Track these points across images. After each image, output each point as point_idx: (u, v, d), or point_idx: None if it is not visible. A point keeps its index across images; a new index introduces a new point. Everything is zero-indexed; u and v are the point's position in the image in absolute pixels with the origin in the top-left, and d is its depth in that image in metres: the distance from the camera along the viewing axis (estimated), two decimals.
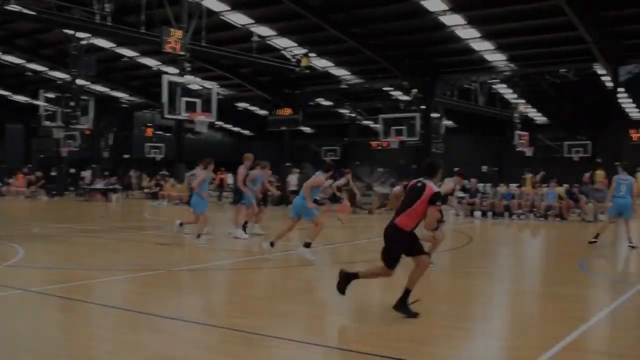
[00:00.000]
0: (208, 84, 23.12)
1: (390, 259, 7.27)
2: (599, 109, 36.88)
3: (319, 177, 12.13)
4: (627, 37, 26.19)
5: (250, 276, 10.95)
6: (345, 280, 7.53)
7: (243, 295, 9.24)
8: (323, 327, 7.37)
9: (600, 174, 27.80)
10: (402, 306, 7.27)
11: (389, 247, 7.29)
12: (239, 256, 13.20)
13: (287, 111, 33.49)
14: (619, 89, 28.77)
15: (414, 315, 7.20)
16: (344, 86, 35.74)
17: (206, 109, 21.32)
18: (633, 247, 14.09)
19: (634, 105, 47.99)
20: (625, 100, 44.71)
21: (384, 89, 40.35)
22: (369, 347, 6.23)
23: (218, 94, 24.19)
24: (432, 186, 7.13)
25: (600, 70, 31.03)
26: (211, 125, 35.14)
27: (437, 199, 7.09)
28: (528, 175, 29.40)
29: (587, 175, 27.54)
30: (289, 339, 6.58)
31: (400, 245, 7.25)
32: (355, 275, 7.54)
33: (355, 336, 6.93)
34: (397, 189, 8.44)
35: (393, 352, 6.07)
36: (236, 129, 63.76)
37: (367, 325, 7.31)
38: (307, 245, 11.78)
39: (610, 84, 28.72)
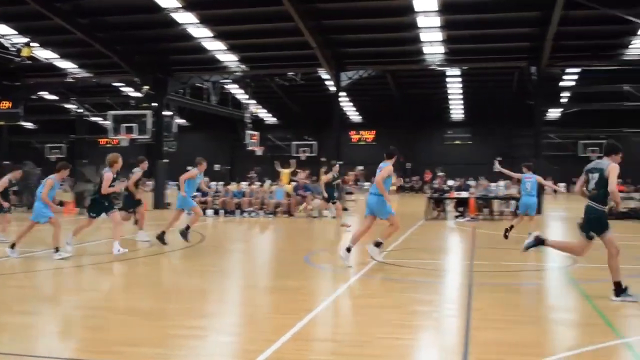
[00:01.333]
0: None
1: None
2: (324, 111, 39.17)
3: (388, 167, 11.15)
4: (348, 45, 28.17)
5: None
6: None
7: None
8: (46, 337, 6.83)
9: (323, 172, 29.53)
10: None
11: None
12: None
13: (6, 104, 30.81)
14: (341, 93, 30.79)
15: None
16: (70, 80, 33.82)
17: None
18: (506, 237, 15.10)
19: (354, 108, 52.00)
20: (346, 104, 48.23)
21: (114, 84, 39.09)
22: (97, 354, 5.95)
23: None
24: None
25: (324, 75, 33.03)
26: None
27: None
28: (285, 171, 30.34)
29: (307, 172, 29.00)
30: (8, 353, 5.98)
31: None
32: None
33: (81, 344, 6.53)
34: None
35: (122, 357, 5.86)
36: None
37: (96, 331, 6.93)
38: (378, 244, 11.32)
39: (333, 88, 30.63)
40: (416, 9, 23.75)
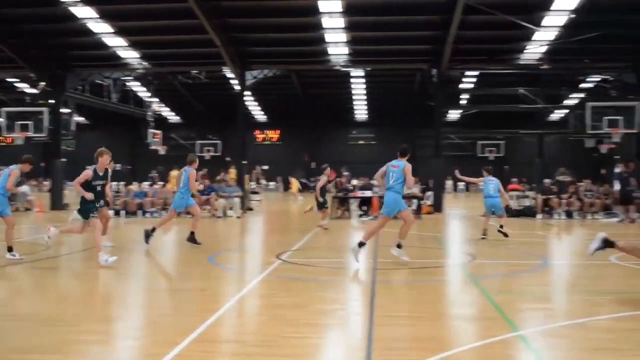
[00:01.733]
0: None
1: None
2: (228, 110, 38.91)
3: (408, 165, 11.48)
4: (253, 44, 28.05)
5: None
6: None
7: None
8: None
9: (232, 172, 29.34)
10: None
11: None
12: None
13: None
14: (246, 92, 30.64)
15: None
16: None
17: None
18: (506, 235, 15.60)
19: (259, 108, 51.91)
20: (251, 103, 48.09)
21: (8, 80, 37.46)
22: None
23: None
24: None
25: (229, 73, 32.77)
26: None
27: None
28: (174, 172, 29.77)
29: (224, 174, 28.82)
30: None
31: None
32: None
33: None
34: None
35: None
36: None
37: None
38: (399, 246, 11.53)
39: (238, 87, 30.45)
40: (321, 10, 23.91)
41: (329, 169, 19.24)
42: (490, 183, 16.25)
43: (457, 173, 18.66)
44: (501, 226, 15.89)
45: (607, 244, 8.65)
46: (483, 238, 15.76)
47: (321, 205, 18.71)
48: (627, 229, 19.43)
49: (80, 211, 11.47)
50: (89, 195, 11.24)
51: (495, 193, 16.16)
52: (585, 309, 8.02)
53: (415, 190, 25.27)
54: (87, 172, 11.38)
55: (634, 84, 28.50)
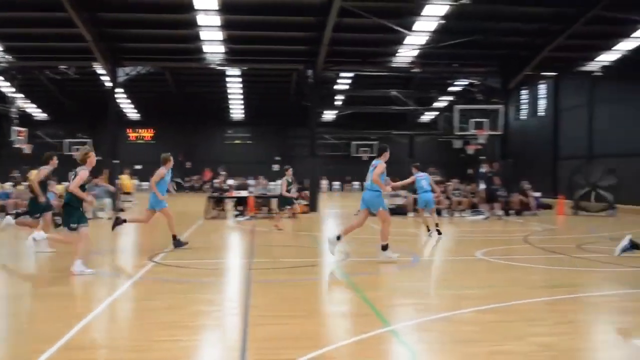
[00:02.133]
0: None
1: None
2: (99, 108, 37.62)
3: (381, 163, 11.73)
4: (125, 40, 27.25)
5: None
6: None
7: None
8: None
9: (105, 171, 28.32)
10: None
11: None
12: None
13: None
14: (117, 90, 29.73)
15: None
16: None
17: None
18: (439, 233, 16.35)
19: (132, 105, 50.52)
20: (123, 101, 46.72)
21: None
22: None
23: None
24: None
25: (100, 69, 31.65)
26: None
27: None
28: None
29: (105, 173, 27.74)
30: None
31: None
32: None
33: None
34: None
35: None
36: None
37: None
38: (385, 247, 11.65)
39: (109, 84, 29.49)
40: (196, 7, 23.58)
41: (291, 169, 19.32)
42: (422, 179, 17.04)
43: (390, 185, 19.20)
44: (437, 224, 16.66)
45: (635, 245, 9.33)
46: (434, 232, 16.57)
47: (283, 205, 19.25)
48: (492, 226, 20.45)
49: (71, 219, 10.39)
50: (88, 197, 10.59)
51: (428, 187, 16.95)
52: (452, 303, 8.35)
53: (293, 190, 25.43)
54: (85, 173, 10.32)
55: (498, 88, 30.05)
